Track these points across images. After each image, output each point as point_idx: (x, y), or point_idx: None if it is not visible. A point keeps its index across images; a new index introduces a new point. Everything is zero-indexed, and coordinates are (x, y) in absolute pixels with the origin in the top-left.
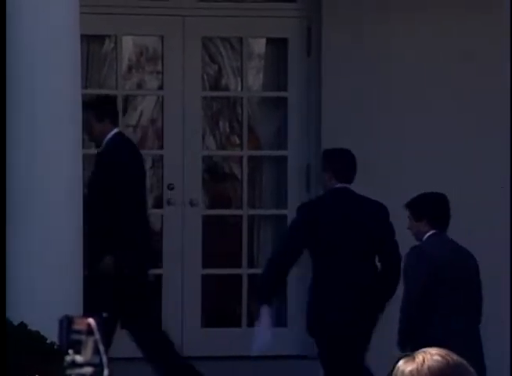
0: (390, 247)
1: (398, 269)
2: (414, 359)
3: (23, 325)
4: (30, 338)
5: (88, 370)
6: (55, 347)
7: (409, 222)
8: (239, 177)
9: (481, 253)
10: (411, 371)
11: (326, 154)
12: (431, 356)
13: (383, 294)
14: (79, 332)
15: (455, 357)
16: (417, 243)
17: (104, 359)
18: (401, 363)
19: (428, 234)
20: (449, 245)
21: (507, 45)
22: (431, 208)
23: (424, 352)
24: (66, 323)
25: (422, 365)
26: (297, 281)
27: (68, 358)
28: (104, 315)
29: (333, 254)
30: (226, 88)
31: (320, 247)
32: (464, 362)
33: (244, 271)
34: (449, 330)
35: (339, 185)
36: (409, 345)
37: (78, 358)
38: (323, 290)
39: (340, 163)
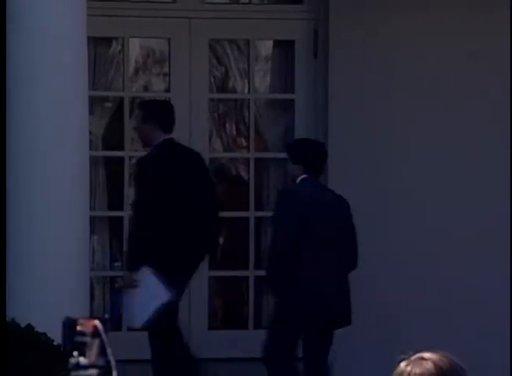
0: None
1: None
2: (421, 360)
3: (30, 327)
4: (37, 340)
5: (93, 372)
6: (62, 349)
7: (287, 163)
8: (246, 179)
9: (481, 250)
10: (422, 374)
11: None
12: (439, 357)
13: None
14: (83, 334)
15: (454, 359)
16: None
17: (112, 361)
18: (403, 365)
19: (301, 178)
20: (321, 190)
21: (507, 45)
22: (308, 154)
23: (424, 355)
24: (69, 325)
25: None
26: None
27: (72, 360)
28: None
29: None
30: (233, 90)
31: None
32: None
33: (251, 273)
34: (317, 272)
35: (167, 136)
36: (278, 284)
37: (83, 360)
38: None
39: (164, 114)
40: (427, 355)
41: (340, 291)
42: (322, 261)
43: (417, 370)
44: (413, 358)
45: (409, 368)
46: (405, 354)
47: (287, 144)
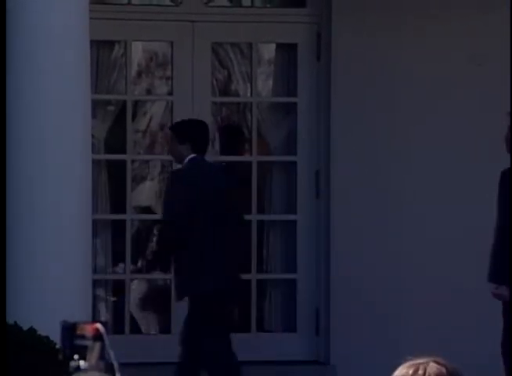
0: None
1: None
2: (431, 363)
3: (32, 330)
4: (40, 343)
5: (94, 375)
6: (62, 352)
7: (171, 144)
8: (249, 182)
9: (481, 251)
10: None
11: None
12: (442, 361)
13: None
14: (83, 337)
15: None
16: (178, 165)
17: (116, 364)
18: (406, 370)
19: (189, 157)
20: (209, 167)
21: (507, 46)
22: (194, 133)
23: (428, 359)
24: (67, 328)
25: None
26: (307, 286)
27: (73, 363)
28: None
29: None
30: (236, 94)
31: None
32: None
33: (253, 276)
34: (207, 243)
35: None
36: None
37: (83, 363)
38: None
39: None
40: (431, 359)
41: (232, 267)
42: (214, 237)
43: (433, 370)
44: (418, 362)
45: (420, 372)
46: (408, 359)
47: (173, 125)
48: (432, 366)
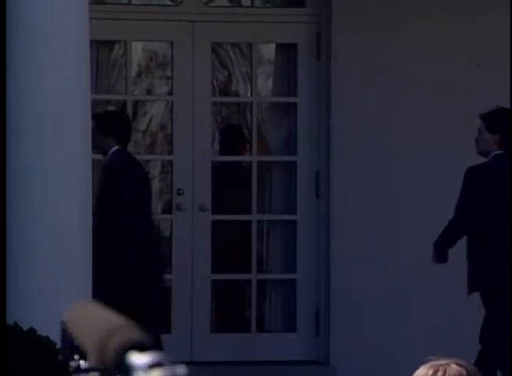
0: None
1: None
2: (451, 365)
3: (32, 330)
4: (40, 343)
5: (94, 375)
6: (61, 352)
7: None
8: (249, 182)
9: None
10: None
11: None
12: (463, 362)
13: None
14: None
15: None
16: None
17: None
18: (426, 371)
19: (114, 149)
20: (131, 161)
21: (507, 46)
22: (120, 125)
23: (448, 361)
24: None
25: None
26: (307, 286)
27: (73, 363)
28: None
29: None
30: (236, 94)
31: None
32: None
33: (253, 276)
34: (136, 240)
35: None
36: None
37: (83, 363)
38: None
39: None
40: (452, 360)
41: (155, 255)
42: (146, 229)
43: (453, 371)
44: (439, 363)
45: (440, 373)
46: (429, 360)
47: (98, 114)
48: (452, 368)
